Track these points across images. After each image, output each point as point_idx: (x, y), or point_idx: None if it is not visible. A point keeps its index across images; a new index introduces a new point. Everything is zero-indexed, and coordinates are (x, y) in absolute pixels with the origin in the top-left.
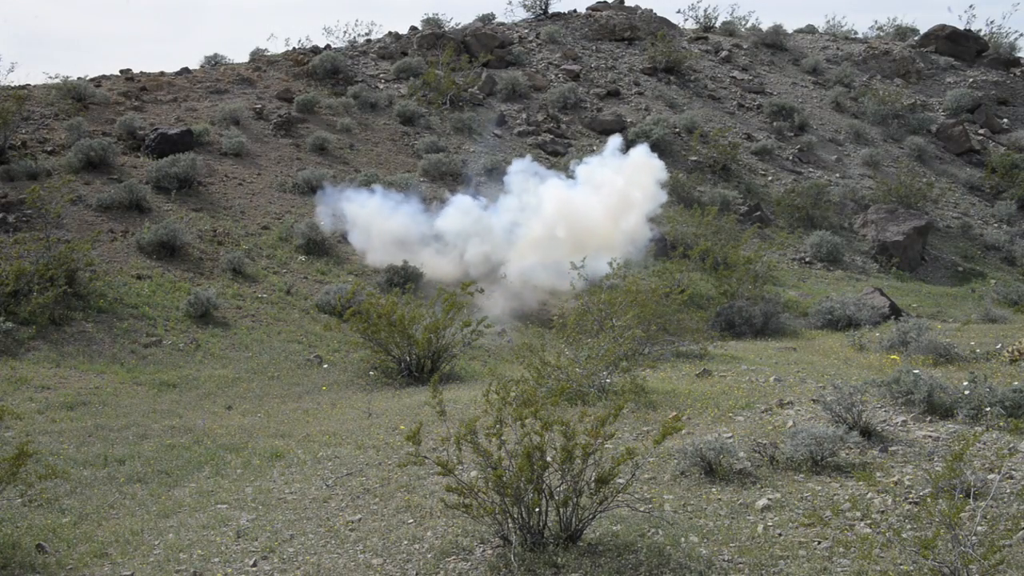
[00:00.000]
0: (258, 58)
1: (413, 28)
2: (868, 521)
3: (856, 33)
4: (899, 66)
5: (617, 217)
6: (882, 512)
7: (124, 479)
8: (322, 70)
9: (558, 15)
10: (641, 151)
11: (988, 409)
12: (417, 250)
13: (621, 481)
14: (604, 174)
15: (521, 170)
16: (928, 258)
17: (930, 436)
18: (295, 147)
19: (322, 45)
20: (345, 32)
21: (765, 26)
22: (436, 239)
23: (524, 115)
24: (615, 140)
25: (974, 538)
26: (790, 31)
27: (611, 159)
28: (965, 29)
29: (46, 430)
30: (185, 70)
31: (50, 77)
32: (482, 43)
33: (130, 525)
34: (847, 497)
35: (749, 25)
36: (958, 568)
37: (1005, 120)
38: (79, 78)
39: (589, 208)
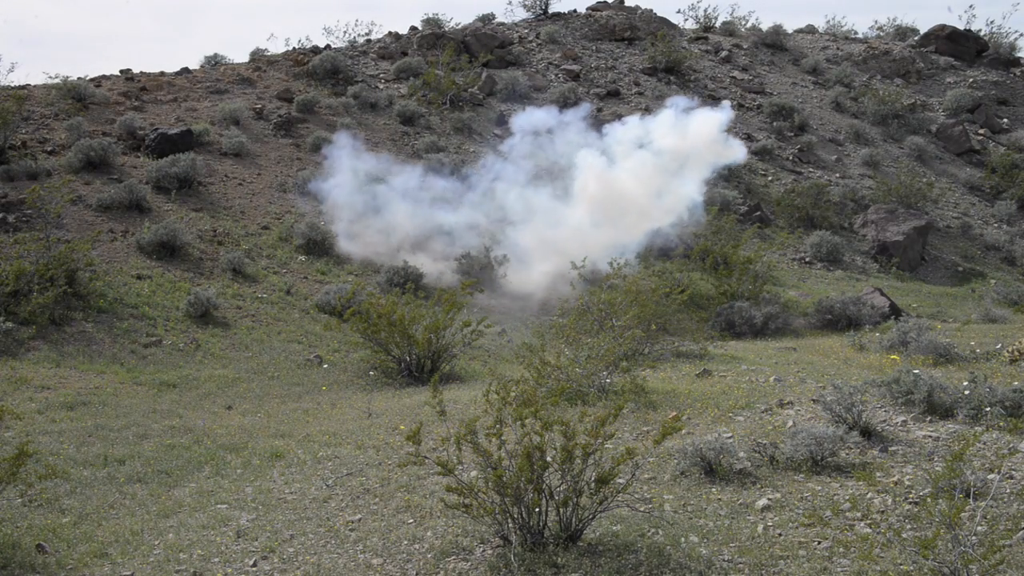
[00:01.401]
0: (258, 58)
1: (413, 28)
2: (868, 521)
3: (856, 33)
4: (899, 66)
5: (660, 191)
6: (882, 512)
7: (124, 479)
8: (322, 70)
9: (558, 15)
10: (710, 119)
11: (988, 409)
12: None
13: (621, 481)
14: (661, 139)
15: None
16: (928, 258)
17: (930, 436)
18: (295, 147)
19: (322, 45)
20: (345, 32)
21: (765, 26)
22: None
23: None
24: (680, 100)
25: (974, 538)
26: (790, 31)
27: (668, 121)
28: (965, 29)
29: (46, 430)
30: (185, 70)
31: (50, 77)
32: (482, 43)
33: (130, 525)
34: (847, 497)
35: (749, 25)
36: (958, 568)
37: (1005, 120)
38: (79, 78)
39: (629, 185)
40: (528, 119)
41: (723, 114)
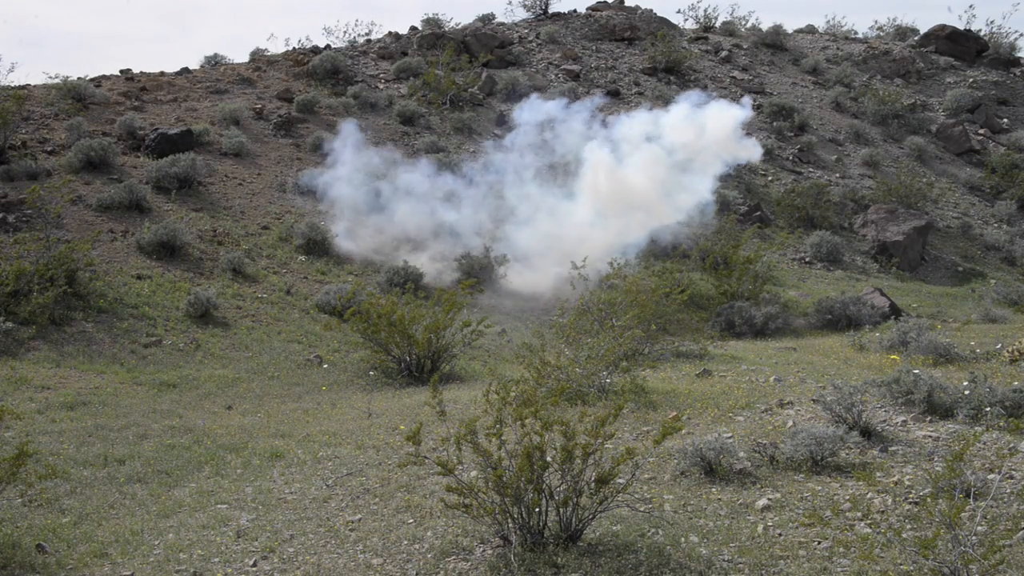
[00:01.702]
0: (258, 58)
1: (413, 28)
2: (868, 521)
3: (856, 33)
4: (899, 66)
5: (671, 188)
6: (882, 512)
7: (124, 479)
8: (322, 70)
9: (558, 15)
10: (726, 115)
11: (988, 409)
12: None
13: (621, 481)
14: (672, 131)
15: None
16: (928, 258)
17: (930, 436)
18: (295, 147)
19: (322, 45)
20: (345, 32)
21: (765, 26)
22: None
23: None
24: (693, 95)
25: (974, 538)
26: (790, 31)
27: (681, 115)
28: (965, 29)
29: (46, 430)
30: (185, 70)
31: (50, 77)
32: (482, 43)
33: (130, 525)
34: (847, 497)
35: (749, 25)
36: (958, 568)
37: (1005, 120)
38: (79, 78)
39: (638, 181)
40: (532, 111)
41: (741, 111)
